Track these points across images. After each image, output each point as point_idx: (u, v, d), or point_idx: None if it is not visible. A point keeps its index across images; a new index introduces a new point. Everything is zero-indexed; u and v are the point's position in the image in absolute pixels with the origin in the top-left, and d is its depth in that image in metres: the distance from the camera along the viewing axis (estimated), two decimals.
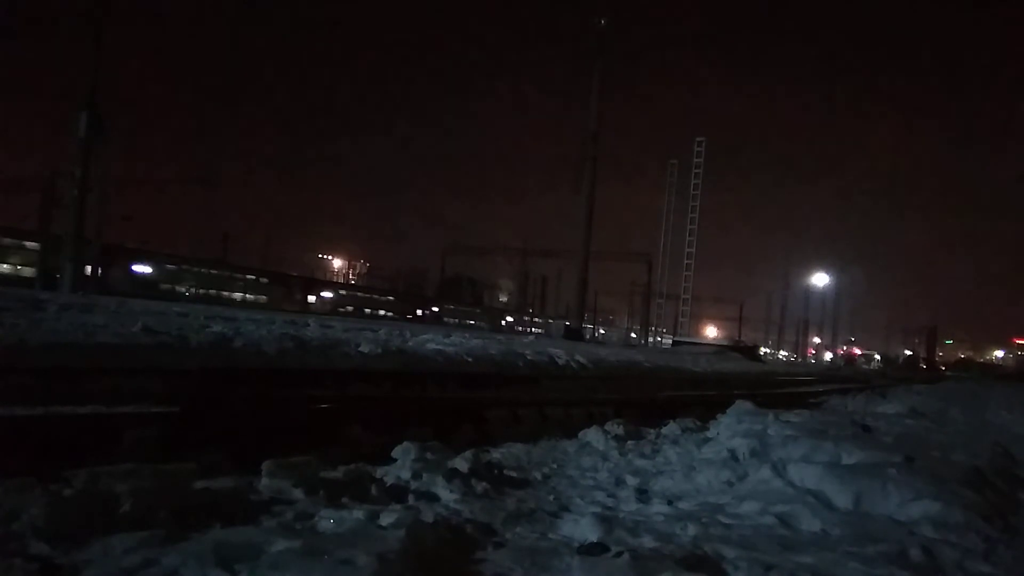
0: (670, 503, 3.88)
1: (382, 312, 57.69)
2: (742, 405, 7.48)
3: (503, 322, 72.38)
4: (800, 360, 78.56)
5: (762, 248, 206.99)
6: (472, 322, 65.20)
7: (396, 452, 4.18)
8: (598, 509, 3.65)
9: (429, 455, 4.11)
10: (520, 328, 63.79)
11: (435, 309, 66.66)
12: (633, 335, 71.18)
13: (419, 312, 63.19)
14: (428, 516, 3.15)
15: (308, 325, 11.78)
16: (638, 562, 2.62)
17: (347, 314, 46.46)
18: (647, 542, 3.00)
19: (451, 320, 63.24)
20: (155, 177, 52.62)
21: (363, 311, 55.70)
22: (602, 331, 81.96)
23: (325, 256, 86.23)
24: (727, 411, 7.15)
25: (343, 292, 62.20)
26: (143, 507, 2.80)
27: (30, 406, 4.38)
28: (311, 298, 55.06)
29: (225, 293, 47.88)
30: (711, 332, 75.66)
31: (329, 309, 52.18)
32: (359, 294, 63.36)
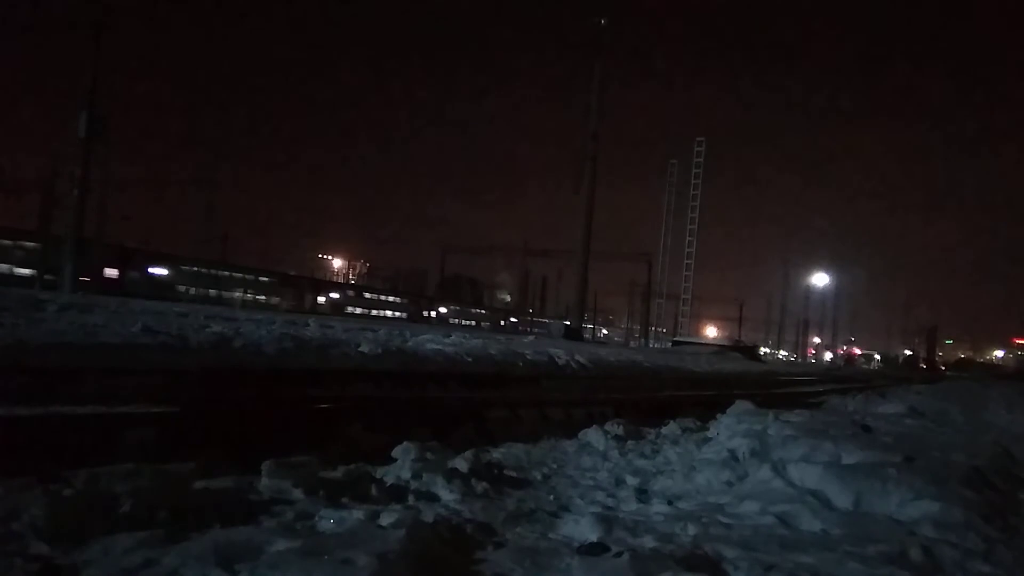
0: (670, 503, 3.88)
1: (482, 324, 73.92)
2: (742, 405, 7.48)
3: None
4: (800, 360, 78.41)
5: (762, 248, 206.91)
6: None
7: (396, 452, 4.18)
8: (598, 509, 3.65)
9: (429, 455, 4.11)
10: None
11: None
12: (617, 337, 71.85)
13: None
14: (428, 516, 3.15)
15: (308, 325, 11.77)
16: (638, 562, 2.62)
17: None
18: (647, 542, 3.00)
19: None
20: (155, 177, 52.82)
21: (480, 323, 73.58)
22: (604, 331, 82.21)
23: (325, 256, 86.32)
24: (727, 411, 7.15)
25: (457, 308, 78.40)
26: (143, 507, 2.80)
27: (30, 406, 4.38)
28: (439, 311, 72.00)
29: (375, 311, 61.82)
30: (711, 332, 75.55)
31: (445, 319, 69.47)
32: (472, 310, 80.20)
